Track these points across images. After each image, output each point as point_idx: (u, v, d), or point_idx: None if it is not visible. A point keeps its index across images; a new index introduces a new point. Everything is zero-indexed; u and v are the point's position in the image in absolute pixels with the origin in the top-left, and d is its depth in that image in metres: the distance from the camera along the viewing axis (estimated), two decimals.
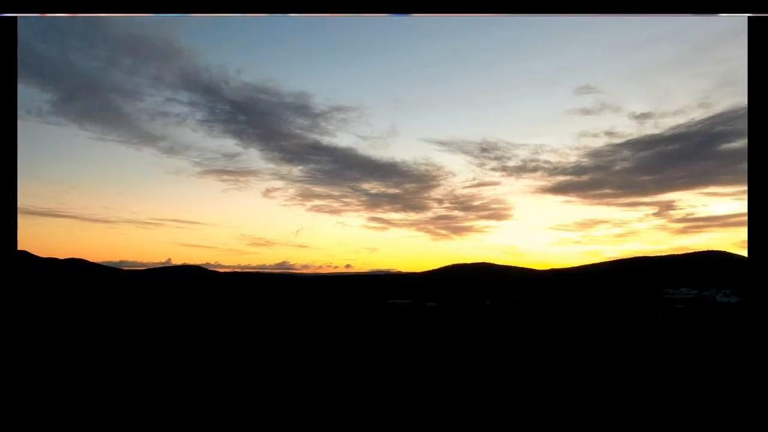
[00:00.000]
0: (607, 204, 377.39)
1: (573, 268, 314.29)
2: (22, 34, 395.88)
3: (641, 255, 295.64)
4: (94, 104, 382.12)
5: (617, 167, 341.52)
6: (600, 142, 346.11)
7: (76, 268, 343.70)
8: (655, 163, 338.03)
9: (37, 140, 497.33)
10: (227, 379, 31.24)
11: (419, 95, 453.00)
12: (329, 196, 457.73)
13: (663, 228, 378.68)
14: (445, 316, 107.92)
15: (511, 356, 46.98)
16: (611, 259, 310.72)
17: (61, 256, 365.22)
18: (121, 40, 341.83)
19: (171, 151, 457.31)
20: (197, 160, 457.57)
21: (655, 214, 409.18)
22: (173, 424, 20.66)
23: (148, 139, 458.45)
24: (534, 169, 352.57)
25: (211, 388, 27.49)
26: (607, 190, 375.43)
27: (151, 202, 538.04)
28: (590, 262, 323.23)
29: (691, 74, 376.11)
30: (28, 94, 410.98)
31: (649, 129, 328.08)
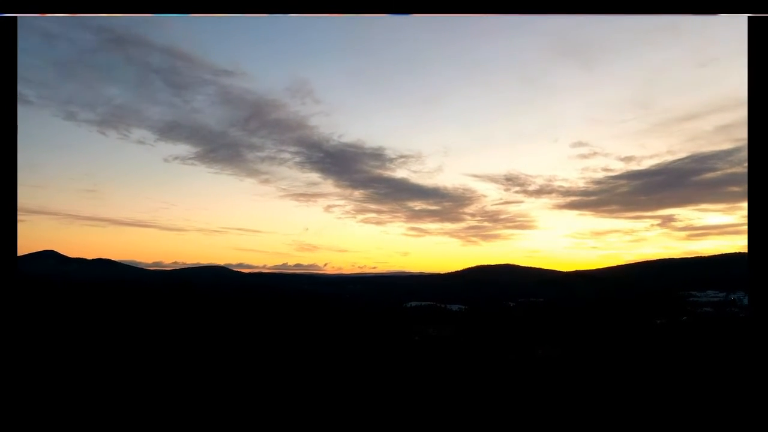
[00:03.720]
0: (616, 217, 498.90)
1: (595, 270, 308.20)
2: (207, 121, 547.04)
3: (664, 257, 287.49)
4: (226, 153, 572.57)
5: (618, 191, 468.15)
6: (600, 175, 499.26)
7: (103, 268, 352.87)
8: (648, 189, 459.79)
9: (171, 176, 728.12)
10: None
11: (461, 143, 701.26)
12: (379, 211, 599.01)
13: (669, 235, 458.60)
14: (468, 322, 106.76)
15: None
16: (631, 262, 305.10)
17: (89, 257, 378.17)
18: (270, 122, 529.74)
19: (266, 181, 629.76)
20: (284, 187, 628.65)
21: (659, 225, 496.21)
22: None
23: (252, 173, 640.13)
24: (550, 191, 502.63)
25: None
26: (613, 207, 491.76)
27: (227, 216, 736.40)
28: (612, 264, 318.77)
29: (655, 137, 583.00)
30: (183, 149, 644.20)
31: (635, 166, 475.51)
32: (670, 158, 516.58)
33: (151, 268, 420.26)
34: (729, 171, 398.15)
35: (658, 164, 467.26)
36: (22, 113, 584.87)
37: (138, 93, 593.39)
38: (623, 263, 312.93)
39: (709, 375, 40.74)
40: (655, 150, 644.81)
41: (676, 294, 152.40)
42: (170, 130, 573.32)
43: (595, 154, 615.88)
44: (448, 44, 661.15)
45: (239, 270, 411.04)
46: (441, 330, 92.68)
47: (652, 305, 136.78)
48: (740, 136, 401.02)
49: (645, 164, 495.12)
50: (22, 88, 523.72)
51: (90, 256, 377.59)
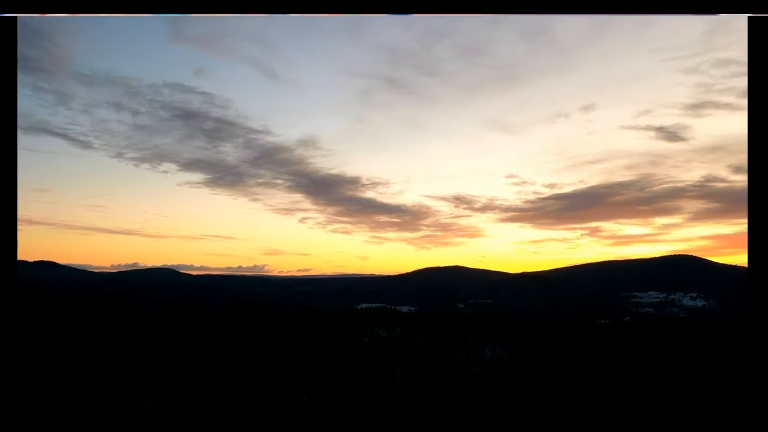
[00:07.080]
0: (551, 228, 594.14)
1: (541, 271, 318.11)
2: (226, 158, 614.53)
3: (606, 260, 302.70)
4: (230, 180, 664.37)
5: (548, 208, 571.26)
6: (531, 197, 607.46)
7: (47, 270, 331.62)
8: (573, 207, 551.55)
9: (176, 197, 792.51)
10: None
11: (421, 172, 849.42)
12: (347, 222, 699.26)
13: (598, 242, 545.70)
14: (418, 324, 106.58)
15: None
16: (574, 264, 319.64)
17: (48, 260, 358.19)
18: (276, 160, 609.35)
19: (256, 200, 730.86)
20: (270, 203, 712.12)
21: (588, 234, 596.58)
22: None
23: (247, 193, 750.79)
24: (493, 208, 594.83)
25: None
26: (548, 220, 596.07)
27: (209, 225, 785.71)
28: (555, 267, 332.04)
29: (570, 173, 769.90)
30: (197, 176, 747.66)
31: (558, 190, 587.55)
32: (584, 186, 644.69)
33: (100, 270, 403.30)
34: (635, 195, 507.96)
35: (576, 190, 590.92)
36: (83, 154, 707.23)
37: (182, 143, 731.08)
38: (567, 265, 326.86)
39: (654, 375, 42.05)
40: (572, 180, 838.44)
41: (619, 294, 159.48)
42: (192, 164, 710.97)
43: (525, 182, 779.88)
44: (416, 116, 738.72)
45: (187, 272, 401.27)
46: (391, 331, 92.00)
47: (596, 305, 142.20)
48: (640, 172, 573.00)
49: (566, 189, 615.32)
50: (93, 139, 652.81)
51: (61, 261, 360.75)
